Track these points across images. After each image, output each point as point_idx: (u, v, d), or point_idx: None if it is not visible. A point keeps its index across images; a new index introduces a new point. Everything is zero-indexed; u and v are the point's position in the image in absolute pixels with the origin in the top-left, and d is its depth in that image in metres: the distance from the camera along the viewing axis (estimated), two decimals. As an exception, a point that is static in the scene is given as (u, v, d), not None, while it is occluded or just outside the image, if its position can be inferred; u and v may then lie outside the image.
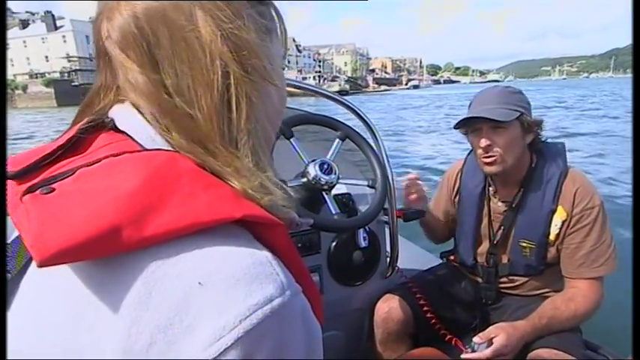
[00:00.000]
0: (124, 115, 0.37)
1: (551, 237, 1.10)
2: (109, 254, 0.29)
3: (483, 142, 1.07)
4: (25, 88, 49.00)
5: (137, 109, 0.37)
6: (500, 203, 1.19)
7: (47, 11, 64.70)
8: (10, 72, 59.07)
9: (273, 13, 0.41)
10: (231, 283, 0.29)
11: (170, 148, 0.35)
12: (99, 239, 0.28)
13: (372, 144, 1.16)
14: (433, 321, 1.09)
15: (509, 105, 1.06)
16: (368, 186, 1.08)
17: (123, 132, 0.37)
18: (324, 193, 1.00)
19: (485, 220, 1.22)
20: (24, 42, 62.78)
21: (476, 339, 0.98)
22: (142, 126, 0.36)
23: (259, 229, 0.34)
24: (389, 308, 1.19)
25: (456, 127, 1.14)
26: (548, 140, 1.16)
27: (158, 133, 0.35)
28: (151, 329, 0.28)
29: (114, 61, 0.36)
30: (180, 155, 0.34)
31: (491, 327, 1.00)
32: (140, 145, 0.35)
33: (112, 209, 0.29)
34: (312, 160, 1.00)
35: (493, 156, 1.08)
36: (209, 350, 0.27)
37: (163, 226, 0.29)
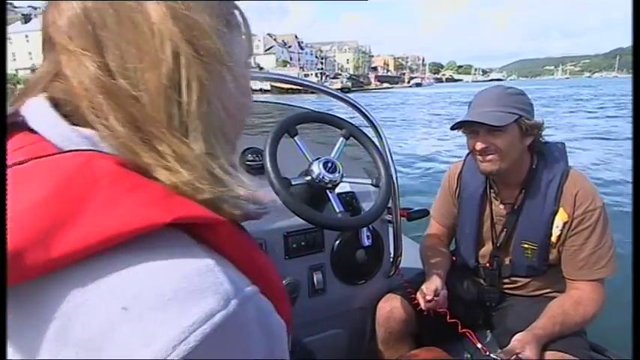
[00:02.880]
0: (34, 110, 0.33)
1: (553, 238, 1.09)
2: (13, 283, 0.25)
3: (479, 146, 1.07)
4: (27, 82, 48.99)
5: (53, 101, 0.33)
6: (501, 205, 1.18)
7: (49, 6, 64.59)
8: (12, 66, 59.03)
9: (236, 13, 0.39)
10: (162, 304, 0.25)
11: (90, 147, 0.31)
12: None
13: (376, 142, 1.16)
14: (440, 310, 1.08)
15: (508, 108, 1.04)
16: (372, 185, 1.08)
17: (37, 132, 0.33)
18: (327, 191, 1.00)
19: (487, 223, 1.21)
20: (26, 36, 62.77)
21: (501, 355, 0.95)
22: (55, 122, 0.32)
23: (201, 230, 0.30)
24: (391, 307, 1.19)
25: (453, 128, 1.13)
26: (549, 141, 1.15)
27: (80, 128, 0.32)
28: None
29: (57, 46, 0.34)
30: (101, 155, 0.30)
31: (513, 341, 0.98)
32: (55, 145, 0.32)
33: (14, 230, 0.25)
34: (317, 159, 1.00)
35: (490, 154, 1.08)
36: None
37: (76, 243, 0.25)
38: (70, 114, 0.33)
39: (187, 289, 0.26)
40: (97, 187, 0.28)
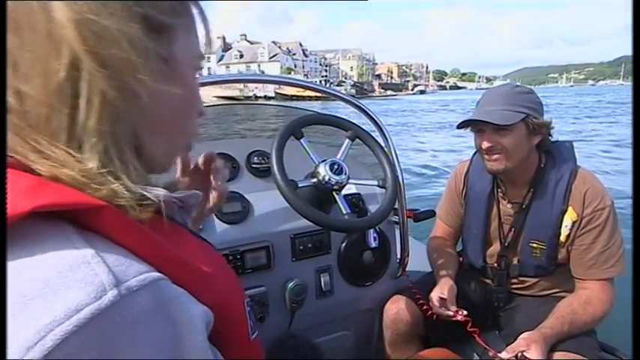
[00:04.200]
0: None
1: (562, 238, 1.09)
2: None
3: (485, 144, 1.07)
4: None
5: None
6: (509, 205, 1.18)
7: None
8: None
9: (189, 9, 0.37)
10: (22, 306, 0.24)
11: None
12: None
13: (382, 144, 1.17)
14: (458, 318, 1.06)
15: (515, 106, 1.04)
16: (378, 186, 1.08)
17: None
18: (334, 193, 1.00)
19: (495, 223, 1.21)
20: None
21: (503, 354, 0.94)
22: None
23: (83, 218, 0.28)
24: (398, 309, 1.18)
25: (460, 127, 1.13)
26: (558, 140, 1.14)
27: None
28: None
29: None
30: None
31: (519, 339, 0.97)
32: None
33: None
34: (323, 161, 1.00)
35: (497, 153, 1.07)
36: None
37: None
38: None
39: (55, 285, 0.25)
40: None
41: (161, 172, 0.41)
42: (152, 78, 0.33)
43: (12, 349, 0.23)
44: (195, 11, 0.38)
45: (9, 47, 0.29)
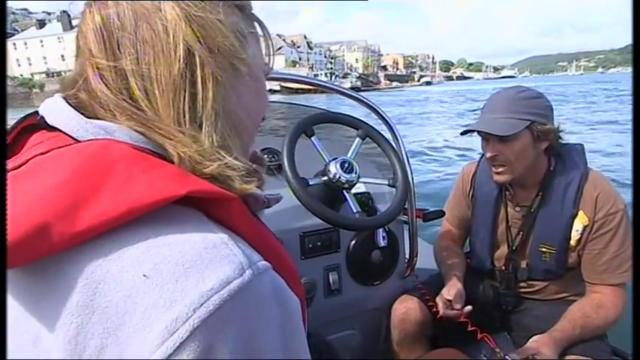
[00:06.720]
0: (52, 108, 0.36)
1: (572, 242, 1.06)
2: (41, 256, 0.26)
3: (489, 154, 1.05)
4: (42, 86, 50.11)
5: (75, 100, 0.36)
6: (517, 208, 1.15)
7: (63, 11, 65.82)
8: (28, 71, 60.40)
9: (255, 24, 0.42)
10: (181, 272, 0.27)
11: (107, 137, 0.33)
12: (25, 242, 0.25)
13: (391, 142, 1.15)
14: (462, 319, 1.05)
15: (519, 114, 1.00)
16: (388, 185, 1.07)
17: (55, 128, 0.35)
18: (344, 191, 1.00)
19: (502, 226, 1.19)
20: (41, 41, 63.97)
21: (514, 355, 0.93)
22: (71, 116, 0.34)
23: (213, 208, 0.32)
24: (406, 309, 1.18)
25: (463, 134, 1.11)
26: (568, 143, 1.11)
27: (95, 120, 0.34)
28: (100, 333, 0.26)
29: (82, 54, 0.36)
30: (116, 141, 0.32)
31: (530, 342, 0.96)
32: (73, 138, 0.34)
33: (38, 207, 0.27)
34: (333, 159, 1.00)
35: (501, 166, 1.05)
36: (165, 346, 0.25)
37: (98, 217, 0.27)
38: (91, 115, 0.35)
39: (204, 258, 0.28)
40: (115, 168, 0.30)
41: None
42: (250, 64, 0.39)
43: (179, 307, 0.26)
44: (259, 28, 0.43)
45: (131, 40, 0.34)
